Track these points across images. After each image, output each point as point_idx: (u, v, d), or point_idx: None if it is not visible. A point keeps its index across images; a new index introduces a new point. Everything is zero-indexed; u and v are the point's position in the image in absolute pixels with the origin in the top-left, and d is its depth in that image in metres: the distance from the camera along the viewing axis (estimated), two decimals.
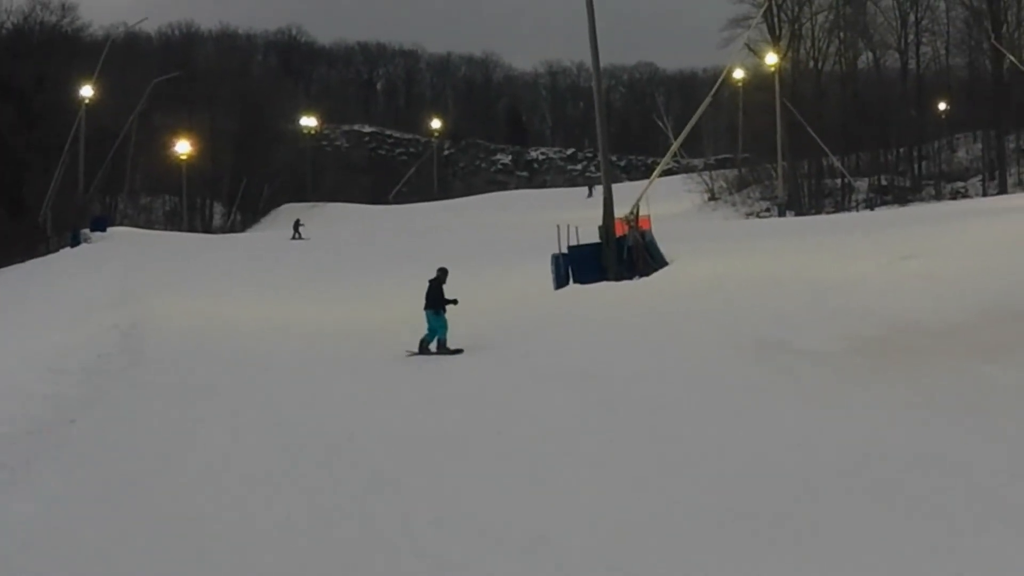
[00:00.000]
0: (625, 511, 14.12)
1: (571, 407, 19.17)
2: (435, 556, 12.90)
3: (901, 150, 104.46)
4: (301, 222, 76.99)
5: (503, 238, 55.65)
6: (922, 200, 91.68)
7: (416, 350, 27.51)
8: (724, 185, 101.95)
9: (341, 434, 18.71)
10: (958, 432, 15.29)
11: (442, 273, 28.55)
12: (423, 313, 27.78)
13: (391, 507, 14.68)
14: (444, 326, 27.69)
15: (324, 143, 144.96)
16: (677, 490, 14.76)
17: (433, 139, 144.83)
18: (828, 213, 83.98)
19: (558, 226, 35.55)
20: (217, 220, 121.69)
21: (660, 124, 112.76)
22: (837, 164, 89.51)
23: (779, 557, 12.50)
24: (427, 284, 28.31)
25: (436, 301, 27.87)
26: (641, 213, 36.49)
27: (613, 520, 13.80)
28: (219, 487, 15.73)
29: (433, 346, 27.53)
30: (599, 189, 68.39)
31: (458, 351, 27.04)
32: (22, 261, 71.17)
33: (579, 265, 34.62)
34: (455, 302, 27.83)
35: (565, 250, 35.26)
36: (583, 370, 21.13)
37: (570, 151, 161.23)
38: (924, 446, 15.62)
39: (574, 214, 41.07)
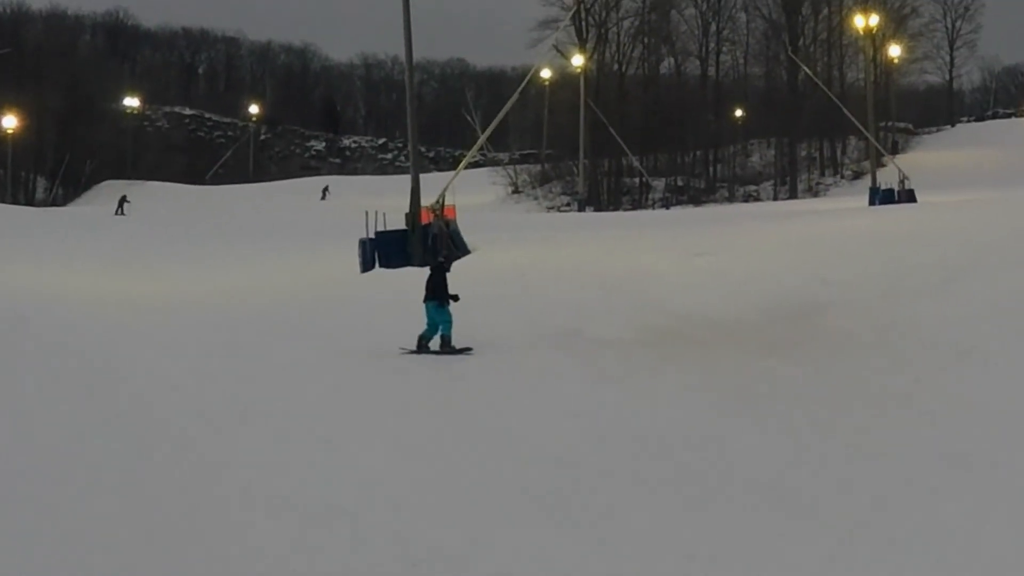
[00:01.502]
0: (417, 486, 14.31)
1: (367, 382, 19.28)
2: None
3: (698, 153, 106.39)
4: (127, 199, 76.36)
5: (314, 222, 55.53)
6: (716, 201, 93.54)
7: (414, 348, 23.12)
8: (527, 179, 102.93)
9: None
10: (739, 419, 15.86)
11: (446, 261, 24.67)
12: (422, 307, 23.36)
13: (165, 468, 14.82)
14: (449, 321, 23.28)
15: (146, 123, 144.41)
16: (471, 466, 15.05)
17: (251, 124, 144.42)
18: (626, 210, 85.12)
19: (366, 212, 35.71)
20: (40, 194, 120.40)
21: (468, 118, 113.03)
22: (636, 164, 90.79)
23: (570, 534, 12.92)
24: (429, 273, 23.79)
25: (439, 292, 23.50)
26: (447, 203, 36.82)
27: (402, 492, 14.03)
28: None
29: (435, 343, 23.37)
30: (331, 193, 68.51)
31: (466, 350, 22.72)
32: None
33: (385, 250, 34.86)
34: (456, 298, 23.40)
35: (372, 235, 35.47)
36: (381, 348, 21.25)
37: (382, 140, 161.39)
38: (707, 430, 16.17)
39: (384, 201, 41.12)
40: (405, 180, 33.95)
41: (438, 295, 23.48)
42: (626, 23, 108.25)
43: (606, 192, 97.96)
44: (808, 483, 12.57)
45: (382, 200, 41.53)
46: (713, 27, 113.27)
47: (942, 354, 20.42)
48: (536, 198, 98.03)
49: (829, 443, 15.12)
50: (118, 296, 32.11)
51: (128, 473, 14.64)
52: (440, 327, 23.30)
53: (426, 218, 36.12)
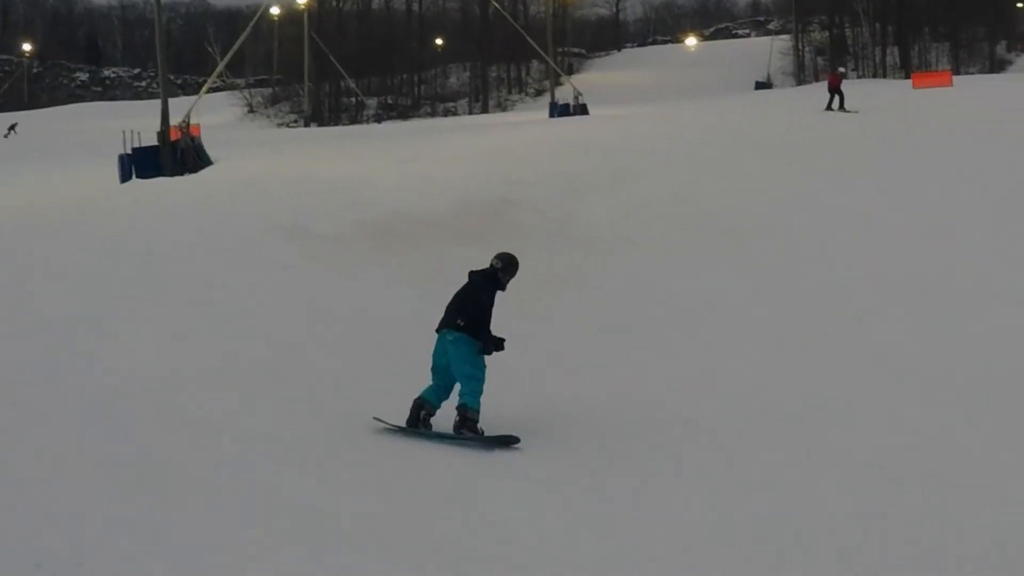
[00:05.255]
0: (177, 361, 14.00)
1: (133, 279, 18.64)
2: None
3: (405, 75, 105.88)
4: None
5: (78, 142, 53.58)
6: (420, 116, 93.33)
7: (394, 423, 12.17)
8: (261, 101, 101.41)
9: None
10: (441, 297, 15.85)
11: (508, 266, 12.71)
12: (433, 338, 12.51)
13: None
14: (479, 380, 12.17)
15: None
16: (225, 345, 14.80)
17: (24, 59, 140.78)
18: (344, 125, 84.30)
19: (123, 131, 34.56)
20: None
21: (210, 50, 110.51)
22: (352, 85, 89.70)
23: (283, 393, 13.10)
24: (467, 280, 12.83)
25: (479, 326, 12.26)
26: (192, 122, 35.87)
27: (163, 367, 13.73)
28: None
29: (448, 419, 12.12)
30: (17, 127, 66.52)
31: (510, 440, 11.68)
32: None
33: (140, 163, 33.93)
34: (502, 346, 12.37)
35: (130, 151, 34.54)
36: (145, 249, 20.58)
37: (137, 71, 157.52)
38: (413, 306, 16.23)
39: (139, 122, 39.73)
40: (157, 104, 32.81)
41: (477, 331, 12.24)
42: None
43: (328, 110, 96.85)
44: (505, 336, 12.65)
45: (137, 121, 40.05)
46: None
47: (610, 243, 20.75)
48: (268, 116, 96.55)
49: (523, 316, 15.25)
50: None
51: None
52: (462, 391, 12.14)
53: (175, 135, 35.22)
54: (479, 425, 12.08)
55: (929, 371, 14.18)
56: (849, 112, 40.42)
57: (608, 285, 18.45)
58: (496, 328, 12.38)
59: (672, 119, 43.04)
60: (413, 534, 9.45)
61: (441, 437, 12.07)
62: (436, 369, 12.44)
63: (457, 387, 12.32)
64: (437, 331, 12.46)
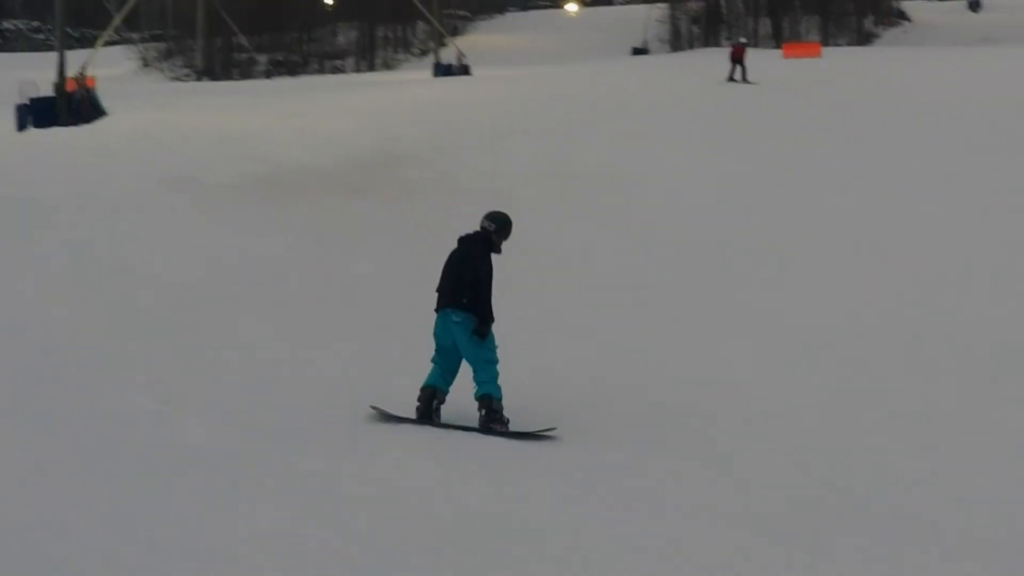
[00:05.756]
0: (58, 308, 14.15)
1: (12, 228, 18.61)
2: None
3: (294, 33, 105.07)
4: None
5: None
6: (309, 73, 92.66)
7: (396, 413, 11.14)
8: (155, 55, 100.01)
9: None
10: (331, 245, 16.39)
11: (503, 227, 11.39)
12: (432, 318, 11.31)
13: None
14: (492, 363, 11.01)
15: None
16: (108, 292, 14.94)
17: None
18: (235, 80, 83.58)
19: (20, 82, 34.33)
20: None
21: (106, 5, 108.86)
22: (244, 42, 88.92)
23: (178, 343, 13.35)
24: (456, 247, 11.41)
25: (481, 300, 10.98)
26: (88, 74, 35.69)
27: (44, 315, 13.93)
28: None
29: (456, 405, 11.15)
30: None
31: (546, 432, 10.83)
32: None
33: (38, 113, 33.77)
34: (485, 327, 11.00)
35: (27, 101, 34.35)
36: (29, 198, 20.67)
37: (36, 23, 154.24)
38: (305, 251, 16.77)
39: (37, 74, 39.26)
40: (55, 56, 32.53)
41: (478, 305, 10.98)
42: None
43: (220, 66, 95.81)
44: (394, 282, 13.15)
45: (36, 73, 39.60)
46: None
47: (486, 197, 21.33)
48: (162, 71, 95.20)
49: (407, 262, 15.98)
50: None
51: None
52: (480, 379, 10.99)
53: (71, 87, 35.02)
54: (503, 413, 10.93)
55: (789, 322, 15.01)
56: (751, 83, 40.45)
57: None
58: (384, 271, 12.72)
59: (551, 80, 43.65)
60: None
61: (482, 430, 10.86)
62: (441, 351, 11.18)
63: (462, 372, 11.19)
64: (436, 310, 11.19)
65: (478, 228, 11.38)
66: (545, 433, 10.79)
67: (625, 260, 18.03)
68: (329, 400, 11.54)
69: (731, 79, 41.51)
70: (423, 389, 11.07)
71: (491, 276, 11.10)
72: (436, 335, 11.17)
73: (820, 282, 16.71)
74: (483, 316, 10.94)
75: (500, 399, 10.88)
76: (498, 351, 11.06)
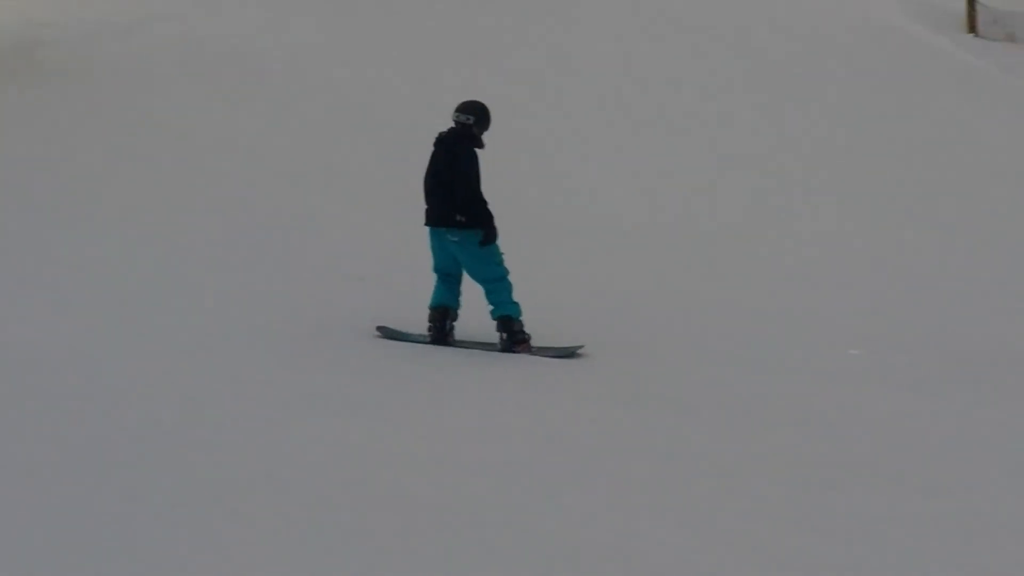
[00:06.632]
0: None
1: None
2: None
3: None
4: None
5: None
6: None
7: (407, 331, 10.70)
8: None
9: None
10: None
11: (482, 117, 10.44)
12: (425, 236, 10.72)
13: None
14: (506, 275, 10.34)
15: None
16: None
17: None
18: None
19: None
20: None
21: None
22: None
23: None
24: (434, 149, 10.54)
25: (475, 206, 10.20)
26: None
27: None
28: None
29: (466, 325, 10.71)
30: None
31: (572, 350, 10.37)
32: None
33: None
34: (492, 233, 10.31)
35: None
36: None
37: None
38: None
39: None
40: None
41: (478, 215, 10.23)
42: None
43: None
44: None
45: None
46: None
47: (131, 81, 21.79)
48: None
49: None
50: None
51: None
52: (494, 299, 10.41)
53: None
54: (523, 329, 10.31)
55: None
56: None
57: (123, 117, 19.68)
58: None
59: None
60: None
61: (504, 348, 10.29)
62: (441, 269, 10.44)
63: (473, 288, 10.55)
64: (427, 224, 10.40)
65: (451, 124, 10.45)
66: (573, 350, 10.28)
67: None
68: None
69: None
70: (432, 309, 10.35)
71: (479, 177, 10.22)
72: (433, 253, 10.43)
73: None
74: (486, 222, 10.14)
75: (519, 316, 10.20)
76: (505, 259, 10.31)
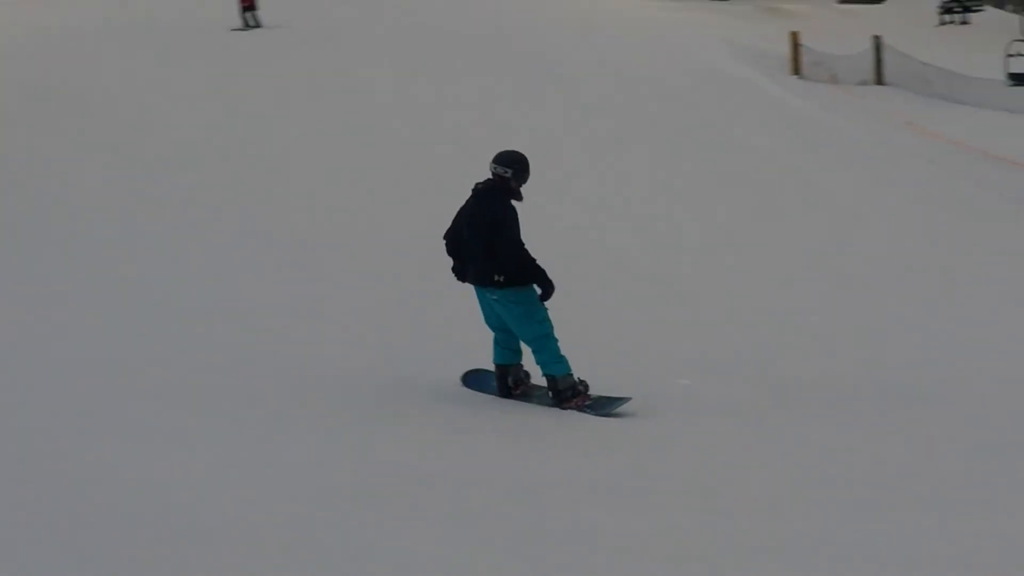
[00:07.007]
0: None
1: None
2: None
3: None
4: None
5: None
6: None
7: (476, 382, 10.55)
8: None
9: None
10: None
11: (520, 170, 9.80)
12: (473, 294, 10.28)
13: None
14: (550, 333, 9.85)
15: None
16: None
17: None
18: None
19: None
20: None
21: None
22: None
23: None
24: (471, 200, 9.94)
25: (521, 271, 9.71)
26: None
27: None
28: None
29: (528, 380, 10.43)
30: None
31: (615, 402, 9.81)
32: None
33: None
34: (548, 281, 9.77)
35: None
36: None
37: None
38: None
39: None
40: None
41: (524, 277, 9.79)
42: None
43: None
44: None
45: None
46: None
47: None
48: None
49: None
50: None
51: None
52: (539, 359, 10.00)
53: None
54: (576, 379, 9.94)
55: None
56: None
57: None
58: None
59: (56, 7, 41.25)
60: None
61: (558, 404, 9.98)
62: (493, 326, 10.25)
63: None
64: (463, 281, 10.22)
65: (488, 176, 9.95)
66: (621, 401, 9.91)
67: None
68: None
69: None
70: (498, 367, 10.27)
71: (519, 233, 9.74)
72: (482, 310, 10.22)
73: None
74: (539, 280, 9.78)
75: (568, 374, 9.89)
76: (549, 312, 9.93)
